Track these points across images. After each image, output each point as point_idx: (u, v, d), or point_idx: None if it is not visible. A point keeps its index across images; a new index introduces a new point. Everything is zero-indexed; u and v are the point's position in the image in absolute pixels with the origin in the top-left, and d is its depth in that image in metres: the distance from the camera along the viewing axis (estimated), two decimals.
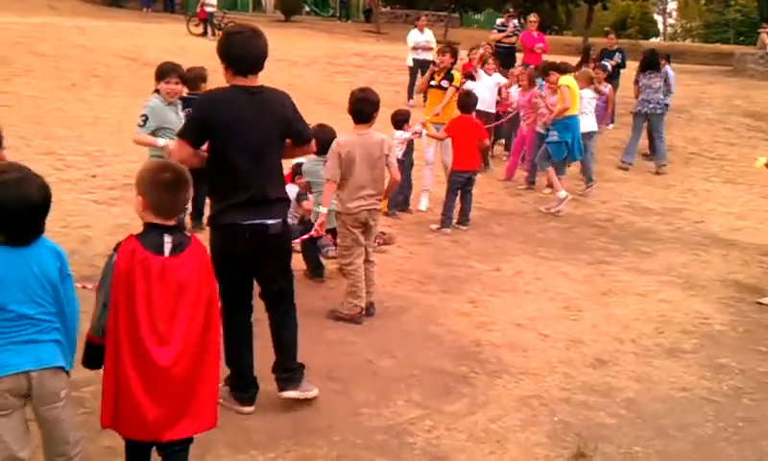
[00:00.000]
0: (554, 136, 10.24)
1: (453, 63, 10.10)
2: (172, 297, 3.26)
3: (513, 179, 11.92)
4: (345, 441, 4.33)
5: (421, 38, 16.30)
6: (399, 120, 9.28)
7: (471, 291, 6.99)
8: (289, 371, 4.66)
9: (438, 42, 15.93)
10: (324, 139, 6.44)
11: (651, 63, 13.17)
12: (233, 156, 4.30)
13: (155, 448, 3.45)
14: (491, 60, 12.71)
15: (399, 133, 9.08)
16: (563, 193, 10.26)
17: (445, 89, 9.90)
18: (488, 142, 9.74)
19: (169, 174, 3.36)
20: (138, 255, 3.22)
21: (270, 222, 4.39)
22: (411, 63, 16.31)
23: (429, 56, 15.65)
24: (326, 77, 18.70)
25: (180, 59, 14.97)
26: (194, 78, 7.64)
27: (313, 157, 6.69)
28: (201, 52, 17.01)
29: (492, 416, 4.75)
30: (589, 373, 5.48)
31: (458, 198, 9.09)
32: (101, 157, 10.03)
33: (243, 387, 4.59)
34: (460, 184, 9.04)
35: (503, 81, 12.57)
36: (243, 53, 4.31)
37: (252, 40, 4.34)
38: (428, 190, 9.96)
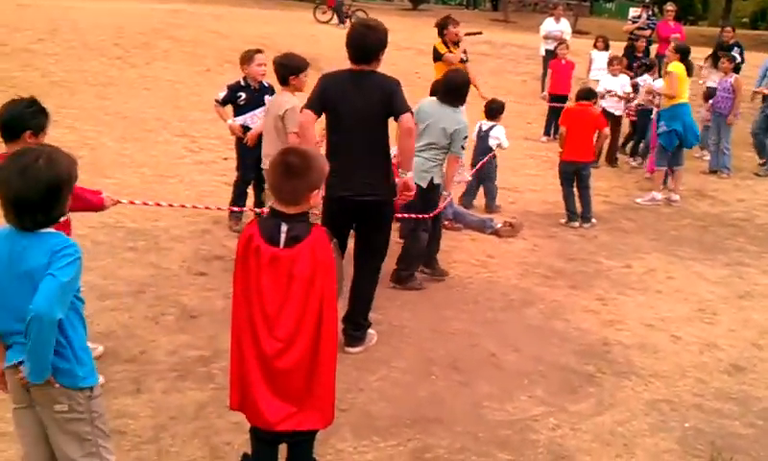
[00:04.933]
0: (662, 127, 9.99)
1: None
2: (283, 288, 3.19)
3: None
4: (467, 433, 4.28)
5: (555, 28, 15.79)
6: (494, 109, 9.14)
7: (600, 288, 6.79)
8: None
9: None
10: None
11: None
12: (335, 129, 5.00)
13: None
14: (614, 62, 12.35)
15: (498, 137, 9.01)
16: (658, 195, 10.10)
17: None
18: (607, 131, 9.38)
19: (288, 156, 3.26)
20: (253, 242, 3.20)
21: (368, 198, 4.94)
22: (543, 53, 15.89)
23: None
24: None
25: (312, 47, 15.29)
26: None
27: None
28: (330, 40, 17.25)
29: (620, 418, 4.59)
30: (724, 379, 5.22)
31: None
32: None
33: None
34: (568, 176, 8.81)
35: (627, 83, 12.18)
36: (351, 45, 5.00)
37: (362, 36, 5.01)
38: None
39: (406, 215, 6.28)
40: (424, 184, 6.19)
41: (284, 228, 3.22)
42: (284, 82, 6.33)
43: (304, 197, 3.28)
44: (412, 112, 5.00)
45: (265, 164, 6.19)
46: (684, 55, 9.96)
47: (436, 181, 6.31)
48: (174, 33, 15.68)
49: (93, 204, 4.48)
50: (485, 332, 5.66)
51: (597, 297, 6.57)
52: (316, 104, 5.00)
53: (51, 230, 2.85)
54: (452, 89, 6.42)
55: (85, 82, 11.58)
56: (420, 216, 6.28)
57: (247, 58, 7.39)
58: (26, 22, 13.56)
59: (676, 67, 9.84)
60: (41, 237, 2.80)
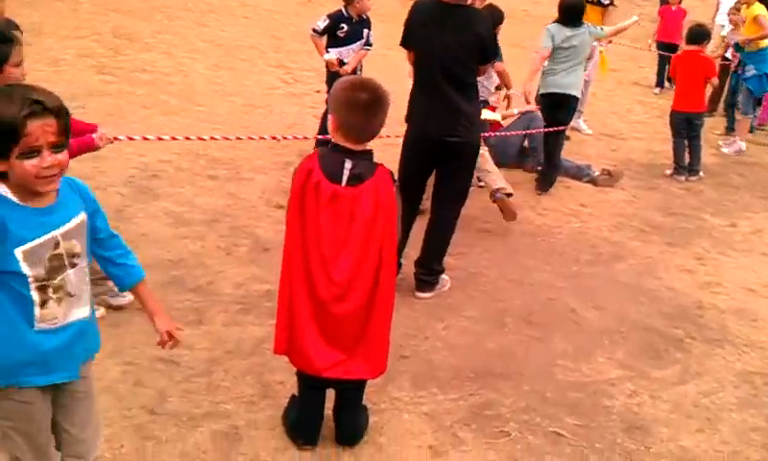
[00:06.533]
0: (751, 71, 9.41)
1: None
2: (344, 228, 3.03)
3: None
4: (534, 392, 4.00)
5: None
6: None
7: (699, 246, 6.33)
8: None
9: None
10: None
11: None
12: (424, 64, 4.65)
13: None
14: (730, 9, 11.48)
15: None
16: (744, 145, 9.57)
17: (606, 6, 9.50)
18: (716, 81, 8.65)
19: (365, 94, 3.04)
20: (313, 177, 3.01)
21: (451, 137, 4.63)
22: None
23: None
24: None
25: None
26: None
27: None
28: None
29: (706, 389, 4.22)
30: None
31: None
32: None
33: None
34: (679, 127, 8.24)
35: None
36: None
37: None
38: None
39: (552, 129, 7.10)
40: (578, 94, 7.28)
41: (348, 165, 3.03)
42: None
43: (376, 132, 3.12)
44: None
45: None
46: None
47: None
48: None
49: (86, 144, 3.89)
50: (567, 286, 5.33)
51: (695, 256, 6.13)
52: (405, 39, 4.76)
53: None
54: (566, 9, 7.04)
55: (185, 7, 11.57)
56: (562, 128, 7.26)
57: None
58: None
59: (760, 8, 9.29)
60: None
